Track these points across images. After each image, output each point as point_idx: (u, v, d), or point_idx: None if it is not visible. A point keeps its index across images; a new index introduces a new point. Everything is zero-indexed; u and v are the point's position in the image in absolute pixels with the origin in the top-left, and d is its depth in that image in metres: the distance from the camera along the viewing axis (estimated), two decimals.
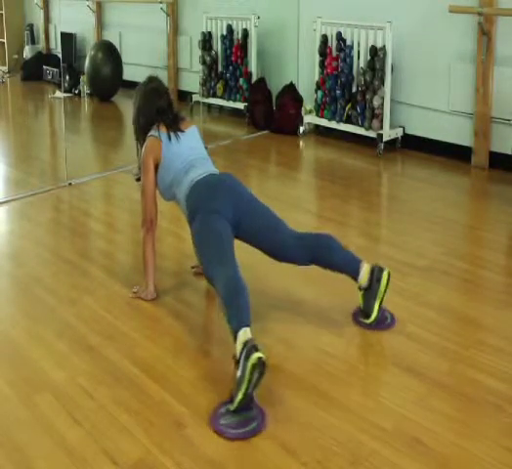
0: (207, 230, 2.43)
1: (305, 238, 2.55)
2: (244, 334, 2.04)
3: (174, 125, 2.73)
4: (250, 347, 1.97)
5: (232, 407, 1.98)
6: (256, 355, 1.93)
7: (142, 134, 2.78)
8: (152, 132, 2.71)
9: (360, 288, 2.52)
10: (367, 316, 2.51)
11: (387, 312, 2.59)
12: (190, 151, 2.71)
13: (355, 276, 2.51)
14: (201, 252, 2.46)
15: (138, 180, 2.88)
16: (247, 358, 1.94)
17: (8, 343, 2.46)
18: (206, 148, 2.86)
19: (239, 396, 1.95)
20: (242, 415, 1.98)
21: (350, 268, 2.52)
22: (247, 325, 2.07)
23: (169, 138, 2.69)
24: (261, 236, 2.55)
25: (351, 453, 1.86)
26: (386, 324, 2.53)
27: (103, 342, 2.45)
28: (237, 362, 1.97)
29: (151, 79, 2.91)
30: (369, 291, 2.50)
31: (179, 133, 2.71)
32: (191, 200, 2.55)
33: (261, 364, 1.94)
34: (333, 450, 1.87)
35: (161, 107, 2.76)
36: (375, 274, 2.48)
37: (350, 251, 2.57)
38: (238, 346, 2.01)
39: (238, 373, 1.95)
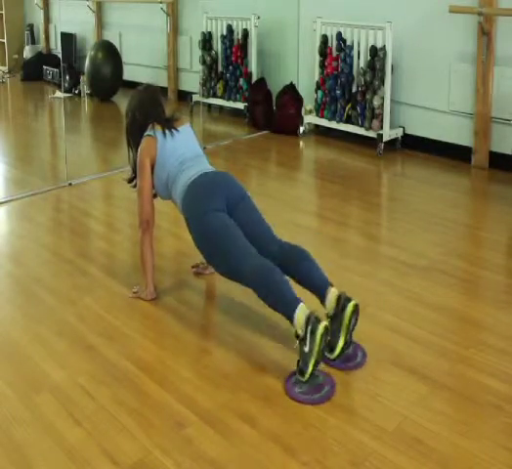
0: (211, 232, 2.42)
1: (286, 248, 2.46)
2: (301, 312, 2.12)
3: (168, 124, 2.74)
4: (314, 319, 2.08)
5: (303, 379, 2.11)
6: (322, 324, 2.07)
7: (134, 140, 2.78)
8: (147, 132, 2.72)
9: (326, 315, 2.28)
10: (331, 349, 2.23)
11: (359, 348, 2.34)
12: (184, 149, 2.71)
13: (322, 298, 2.31)
14: (216, 255, 2.42)
15: (129, 182, 2.89)
16: (314, 330, 2.05)
17: (8, 343, 2.46)
18: (204, 148, 2.86)
19: (310, 368, 2.09)
20: (313, 382, 2.13)
21: (317, 286, 2.32)
22: (299, 302, 2.14)
23: (164, 135, 2.69)
24: (242, 224, 2.47)
25: (351, 453, 1.86)
26: (353, 363, 2.27)
27: (103, 342, 2.45)
28: (303, 340, 2.08)
29: (146, 88, 2.88)
30: (335, 321, 2.24)
31: (173, 131, 2.72)
32: (186, 201, 2.55)
33: (327, 332, 2.10)
34: (333, 450, 1.87)
35: (155, 113, 2.77)
36: (341, 302, 2.24)
37: (323, 271, 2.39)
38: (300, 323, 2.10)
39: (306, 349, 2.07)
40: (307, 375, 2.11)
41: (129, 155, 2.87)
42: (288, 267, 2.36)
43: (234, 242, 2.36)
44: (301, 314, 2.11)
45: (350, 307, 2.22)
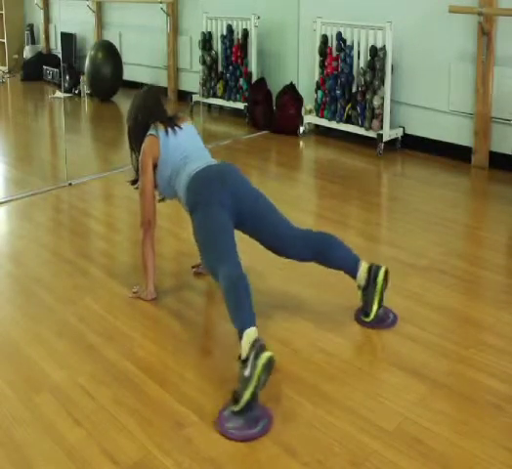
0: (208, 224, 2.43)
1: (307, 234, 2.55)
2: (251, 334, 2.02)
3: (170, 122, 2.74)
4: (259, 346, 1.96)
5: (237, 408, 1.95)
6: (266, 354, 1.94)
7: (137, 142, 2.78)
8: (150, 131, 2.72)
9: (358, 287, 2.54)
10: (366, 314, 2.52)
11: (389, 310, 2.60)
12: (187, 144, 2.71)
13: (353, 274, 2.53)
14: (203, 247, 2.44)
15: (133, 183, 2.89)
16: (257, 357, 1.93)
17: (8, 343, 2.46)
18: (207, 148, 2.87)
19: (247, 396, 1.92)
20: (249, 415, 1.96)
21: (349, 266, 2.54)
22: (253, 325, 2.07)
23: (167, 133, 2.69)
24: (261, 227, 2.54)
25: (351, 453, 1.86)
26: (387, 323, 2.54)
27: (103, 342, 2.45)
28: (244, 362, 1.95)
29: (147, 90, 2.88)
30: (367, 290, 2.51)
31: (176, 128, 2.72)
32: (190, 193, 2.54)
33: (271, 364, 1.95)
34: (334, 450, 1.87)
35: (157, 113, 2.77)
36: (372, 272, 2.50)
37: (350, 250, 2.58)
38: (246, 345, 1.99)
39: (246, 373, 1.93)
40: (242, 403, 1.93)
41: (132, 158, 2.86)
42: (319, 255, 2.53)
43: (222, 242, 2.37)
44: (250, 336, 2.02)
45: (381, 273, 2.48)
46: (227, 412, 1.99)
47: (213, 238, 2.40)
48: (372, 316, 2.51)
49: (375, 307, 2.50)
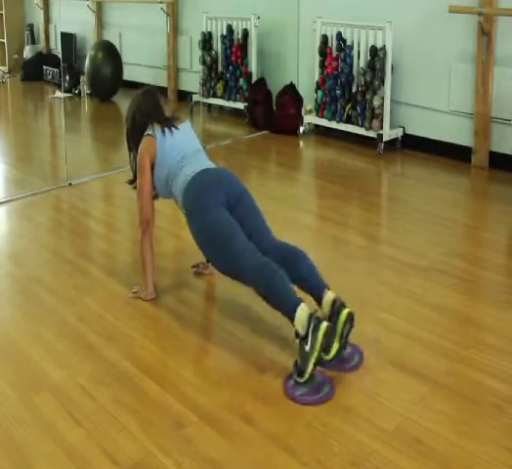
0: (214, 226, 2.41)
1: (282, 247, 2.44)
2: (303, 310, 2.12)
3: (167, 122, 2.74)
4: (316, 319, 2.08)
5: (302, 380, 2.10)
6: (325, 324, 2.07)
7: (135, 142, 2.78)
8: (147, 131, 2.72)
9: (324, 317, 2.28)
10: (327, 351, 2.18)
11: (356, 351, 2.32)
12: (184, 145, 2.71)
13: (319, 300, 2.30)
14: (213, 251, 2.42)
15: (131, 183, 2.89)
16: (316, 328, 2.06)
17: (8, 343, 2.46)
18: (204, 147, 2.87)
19: (310, 368, 2.08)
20: (312, 383, 2.11)
21: (315, 289, 2.32)
22: (300, 301, 2.15)
23: (163, 133, 2.69)
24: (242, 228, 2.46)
25: (351, 453, 1.86)
26: (349, 366, 2.26)
27: (103, 342, 2.45)
28: (304, 339, 2.08)
29: (145, 91, 2.88)
30: (332, 322, 2.21)
31: (173, 129, 2.72)
32: (188, 196, 2.54)
33: (329, 331, 2.10)
34: (333, 450, 1.87)
35: (154, 114, 2.77)
36: (336, 308, 2.24)
37: (319, 273, 2.37)
38: (302, 322, 2.10)
39: (307, 348, 2.07)
40: (306, 375, 2.09)
41: (130, 158, 2.86)
42: (285, 267, 2.29)
43: (235, 239, 2.36)
44: (303, 312, 2.12)
45: (343, 314, 2.21)
46: (292, 382, 2.13)
47: (226, 240, 2.36)
48: (331, 355, 2.19)
49: (336, 346, 2.19)
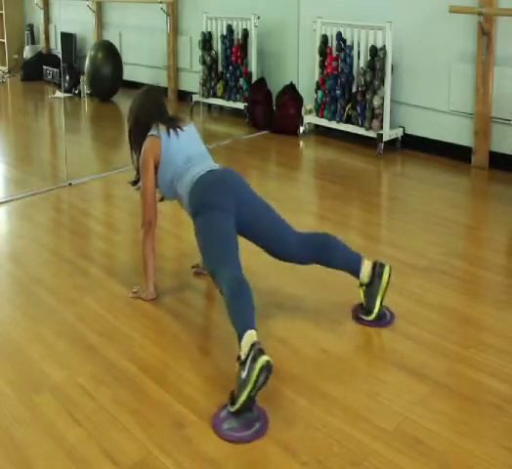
0: (211, 228, 2.43)
1: (307, 238, 2.56)
2: (250, 336, 2.02)
3: (172, 123, 2.73)
4: (257, 349, 1.95)
5: (232, 409, 1.96)
6: (264, 358, 1.92)
7: (137, 142, 2.77)
8: (151, 131, 2.71)
9: (361, 285, 2.55)
10: (369, 312, 2.53)
11: (386, 309, 2.60)
12: (189, 147, 2.71)
13: (356, 273, 2.54)
14: (205, 250, 2.44)
15: (134, 184, 2.89)
16: (255, 360, 1.92)
17: (8, 343, 2.46)
18: (208, 149, 2.87)
19: (243, 397, 1.92)
20: (244, 417, 1.96)
21: (351, 266, 2.54)
22: (253, 328, 2.06)
23: (168, 134, 2.68)
24: (263, 233, 2.55)
25: (351, 453, 1.86)
26: (385, 321, 2.55)
27: (103, 342, 2.45)
28: (243, 364, 1.95)
29: (147, 90, 2.87)
30: (371, 287, 2.52)
31: (178, 130, 2.71)
32: (193, 197, 2.54)
33: (268, 368, 1.92)
34: (333, 450, 1.87)
35: (158, 113, 2.77)
36: (377, 270, 2.51)
37: (350, 248, 2.59)
38: (244, 348, 1.98)
39: (243, 375, 1.92)
40: (237, 405, 1.94)
41: (132, 158, 2.85)
42: (320, 258, 2.54)
43: (224, 247, 2.37)
44: (249, 338, 2.02)
45: (386, 271, 2.51)
46: (224, 413, 2.00)
47: (215, 243, 2.39)
48: (374, 314, 2.52)
49: (378, 305, 2.51)
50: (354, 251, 2.59)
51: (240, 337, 2.04)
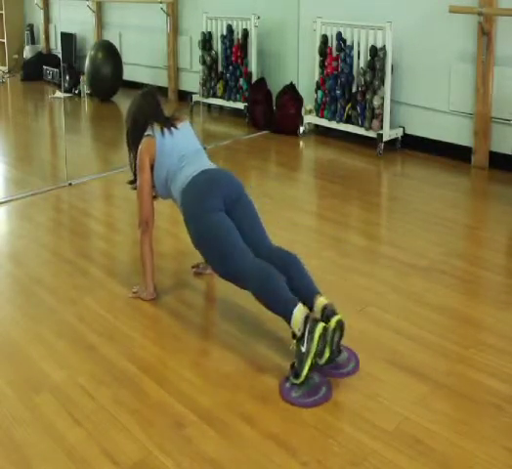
0: (210, 229, 2.42)
1: (276, 251, 2.45)
2: (299, 312, 2.12)
3: (167, 123, 2.74)
4: (313, 320, 2.08)
5: (297, 381, 2.09)
6: (321, 324, 2.07)
7: (135, 144, 2.77)
8: (147, 132, 2.72)
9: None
10: (320, 356, 2.12)
11: (353, 356, 2.29)
12: (183, 146, 2.71)
13: (310, 306, 2.25)
14: (212, 254, 2.43)
15: (131, 183, 2.89)
16: (313, 329, 2.06)
17: (8, 343, 2.46)
18: (205, 148, 2.87)
19: (305, 370, 2.06)
20: (309, 384, 2.09)
21: (306, 294, 2.28)
22: (298, 302, 2.14)
23: (163, 133, 2.69)
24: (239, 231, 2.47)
25: (351, 453, 1.86)
26: (344, 371, 2.23)
27: (103, 342, 2.45)
28: (300, 339, 2.07)
29: (144, 92, 2.87)
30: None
31: (173, 129, 2.72)
32: (186, 198, 2.55)
33: (326, 332, 2.07)
34: (333, 450, 1.87)
35: (154, 114, 2.76)
36: (326, 313, 2.22)
37: (312, 279, 2.37)
38: (298, 324, 2.10)
39: (303, 349, 2.06)
40: (302, 377, 2.08)
41: (130, 159, 2.86)
42: (278, 270, 2.28)
43: (232, 243, 2.36)
44: (299, 314, 2.11)
45: (333, 322, 2.15)
46: (288, 383, 2.12)
47: (223, 243, 2.37)
48: (323, 361, 2.12)
49: (327, 353, 2.12)
50: (314, 284, 2.35)
51: (289, 317, 2.12)
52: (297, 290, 2.28)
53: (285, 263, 2.36)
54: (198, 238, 2.48)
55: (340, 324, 2.17)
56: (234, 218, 2.48)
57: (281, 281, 2.22)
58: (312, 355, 2.05)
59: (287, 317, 2.13)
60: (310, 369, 2.07)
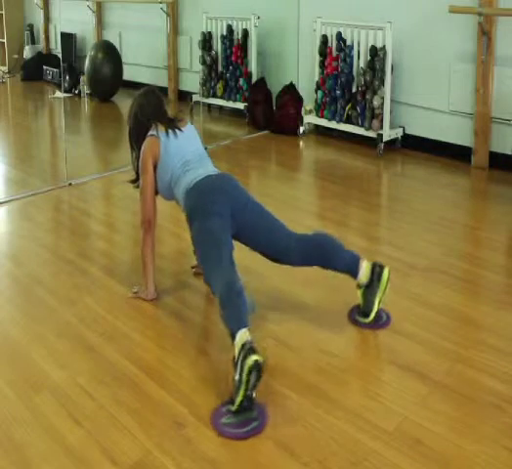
0: (206, 233, 2.42)
1: (304, 240, 2.53)
2: (242, 335, 2.01)
3: (172, 124, 2.73)
4: (247, 349, 1.94)
5: (232, 409, 1.98)
6: (253, 357, 1.92)
7: (137, 143, 2.77)
8: (151, 132, 2.71)
9: (359, 286, 2.51)
10: (366, 314, 2.50)
11: (383, 311, 2.57)
12: (188, 149, 2.70)
13: (354, 274, 2.50)
14: (200, 254, 2.45)
15: (133, 182, 2.89)
16: (244, 360, 1.92)
17: (8, 343, 2.46)
18: (206, 148, 2.86)
19: (239, 398, 1.95)
20: (244, 415, 1.98)
21: (350, 267, 2.50)
22: (246, 326, 2.05)
23: (167, 135, 2.68)
24: (259, 238, 2.53)
25: (351, 453, 1.86)
26: (381, 323, 2.53)
27: (103, 342, 2.45)
28: (235, 365, 1.96)
29: (147, 90, 2.86)
30: (369, 289, 2.49)
31: (177, 131, 2.71)
32: (189, 202, 2.55)
33: (258, 367, 1.92)
34: (333, 450, 1.87)
35: (157, 114, 2.76)
36: (376, 271, 2.47)
37: (349, 250, 2.54)
38: (236, 348, 1.98)
39: (236, 376, 1.94)
40: (235, 406, 1.97)
41: (132, 158, 2.85)
42: (318, 261, 2.50)
43: (218, 251, 2.36)
44: (241, 337, 2.01)
45: (386, 273, 2.47)
46: (225, 409, 2.02)
47: (209, 249, 2.39)
48: (372, 316, 2.49)
49: (376, 307, 2.48)
50: (352, 251, 2.54)
51: (233, 337, 2.03)
52: (341, 265, 2.50)
53: (317, 245, 2.51)
54: (194, 238, 2.50)
55: (389, 275, 2.49)
56: (247, 223, 2.50)
57: (244, 303, 2.14)
58: (243, 385, 1.93)
59: (233, 336, 2.05)
60: (243, 399, 1.95)
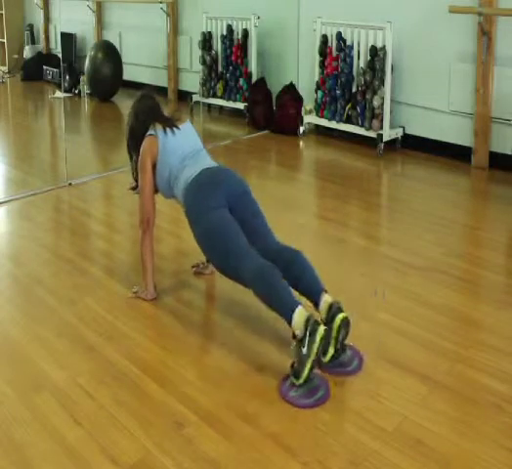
0: (213, 227, 2.41)
1: (281, 248, 2.43)
2: (300, 313, 2.11)
3: (169, 122, 2.74)
4: (313, 322, 2.07)
5: (297, 382, 2.09)
6: (321, 328, 2.06)
7: (136, 145, 2.76)
8: (149, 131, 2.72)
9: (320, 321, 2.24)
10: (323, 353, 2.20)
11: (357, 355, 2.30)
12: (186, 145, 2.71)
13: (316, 303, 2.29)
14: (214, 252, 2.42)
15: (133, 189, 2.89)
16: (313, 333, 2.04)
17: (8, 343, 2.46)
18: (205, 147, 2.87)
19: (306, 371, 2.06)
20: (308, 386, 2.09)
21: (312, 292, 2.31)
22: (298, 304, 2.14)
23: (165, 133, 2.69)
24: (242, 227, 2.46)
25: (351, 453, 1.86)
26: (347, 370, 2.24)
27: (103, 342, 2.45)
28: (301, 340, 2.06)
29: (143, 94, 2.87)
30: (328, 328, 2.19)
31: (175, 129, 2.72)
32: (189, 198, 2.55)
33: (327, 335, 2.10)
34: (333, 450, 1.87)
35: (154, 114, 2.77)
36: (332, 311, 2.22)
37: (317, 276, 2.36)
38: (299, 325, 2.08)
39: (304, 351, 2.05)
40: (302, 378, 2.08)
41: (132, 165, 2.86)
42: (283, 268, 2.27)
43: (235, 241, 2.36)
44: (300, 315, 2.10)
45: (338, 319, 2.19)
46: (288, 383, 2.12)
47: (226, 242, 2.36)
48: (327, 358, 2.20)
49: (331, 351, 2.20)
50: (319, 280, 2.34)
51: (289, 318, 2.11)
52: (303, 288, 2.32)
53: (290, 261, 2.35)
54: (200, 236, 2.47)
55: (345, 323, 2.21)
56: (236, 215, 2.47)
57: (283, 281, 2.20)
58: (312, 357, 2.05)
59: (288, 318, 2.13)
60: (310, 370, 2.07)
